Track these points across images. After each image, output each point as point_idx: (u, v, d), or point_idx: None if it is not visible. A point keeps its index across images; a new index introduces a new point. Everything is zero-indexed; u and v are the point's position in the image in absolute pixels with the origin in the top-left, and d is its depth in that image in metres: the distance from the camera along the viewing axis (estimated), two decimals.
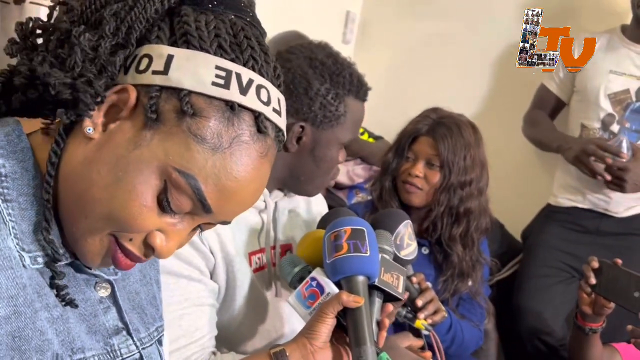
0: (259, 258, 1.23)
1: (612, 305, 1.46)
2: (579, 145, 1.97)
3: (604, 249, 1.52)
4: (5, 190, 0.62)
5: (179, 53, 0.61)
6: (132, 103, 0.61)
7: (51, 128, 0.67)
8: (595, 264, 1.46)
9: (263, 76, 0.64)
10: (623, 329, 1.49)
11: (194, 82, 0.60)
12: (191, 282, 1.09)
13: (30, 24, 0.66)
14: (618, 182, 1.90)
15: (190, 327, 1.08)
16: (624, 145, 1.90)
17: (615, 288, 1.43)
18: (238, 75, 0.62)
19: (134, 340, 0.75)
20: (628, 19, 2.09)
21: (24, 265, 0.62)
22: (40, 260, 0.64)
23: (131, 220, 0.62)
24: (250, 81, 0.62)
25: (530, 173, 2.51)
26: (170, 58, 0.60)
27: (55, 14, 0.66)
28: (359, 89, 1.19)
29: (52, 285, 0.64)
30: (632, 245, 1.99)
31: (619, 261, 1.45)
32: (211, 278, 1.14)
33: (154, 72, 0.60)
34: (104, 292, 0.72)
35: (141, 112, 0.61)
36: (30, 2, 1.43)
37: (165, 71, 0.60)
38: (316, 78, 1.15)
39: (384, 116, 2.30)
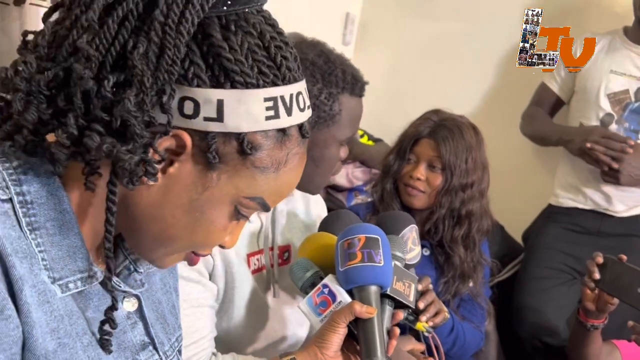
0: (257, 259, 1.23)
1: (616, 301, 1.45)
2: (581, 136, 1.98)
3: (605, 250, 1.51)
4: (33, 218, 0.61)
5: (227, 96, 0.60)
6: (190, 149, 0.61)
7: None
8: (600, 260, 1.46)
9: (297, 80, 0.65)
10: (626, 328, 1.49)
11: (250, 124, 0.61)
12: (190, 284, 1.09)
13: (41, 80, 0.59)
14: (612, 174, 1.93)
15: (189, 328, 1.07)
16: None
17: (619, 284, 1.42)
18: (282, 99, 0.63)
19: (159, 355, 0.76)
20: (630, 20, 2.09)
21: (52, 295, 0.62)
22: (71, 286, 0.64)
23: (212, 243, 0.69)
24: (291, 97, 0.64)
25: (531, 174, 2.51)
26: (220, 104, 0.59)
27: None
28: (354, 85, 1.17)
29: (100, 331, 0.66)
30: (633, 247, 1.99)
31: (624, 257, 1.44)
32: (210, 279, 1.14)
33: (207, 119, 0.59)
34: (131, 307, 0.73)
35: (199, 155, 0.61)
36: (30, 4, 1.42)
37: (220, 118, 0.59)
38: (307, 79, 1.14)
39: (384, 118, 2.30)
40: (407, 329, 1.44)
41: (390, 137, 1.84)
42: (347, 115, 1.18)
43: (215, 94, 0.59)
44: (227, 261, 1.14)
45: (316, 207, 1.42)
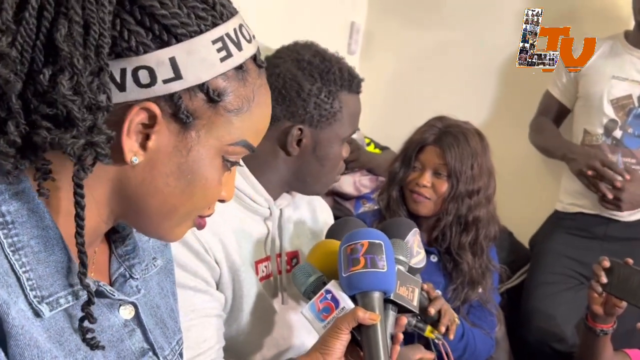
0: (265, 266, 1.23)
1: (624, 304, 1.44)
2: (583, 159, 1.98)
3: (612, 255, 1.51)
4: (15, 239, 0.60)
5: (177, 52, 0.59)
6: (161, 116, 0.60)
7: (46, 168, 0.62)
8: (607, 264, 1.46)
9: (234, 14, 0.64)
10: (636, 335, 1.48)
11: (208, 71, 0.61)
12: (197, 294, 1.09)
13: None
14: (614, 202, 1.95)
15: (197, 338, 1.07)
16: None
17: (626, 287, 1.42)
18: (228, 36, 0.62)
19: None
20: (631, 24, 2.10)
21: (40, 318, 0.60)
22: (62, 301, 0.62)
23: (212, 200, 0.69)
24: (235, 31, 0.63)
25: (537, 180, 2.50)
26: (174, 61, 0.59)
27: None
28: (351, 82, 1.18)
29: (80, 329, 0.63)
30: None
31: (630, 260, 1.44)
32: (217, 288, 1.14)
33: (166, 81, 0.59)
34: (128, 315, 0.72)
35: (172, 119, 0.61)
36: None
37: (178, 76, 0.59)
38: (306, 79, 1.15)
39: (389, 125, 2.30)
40: (416, 337, 1.44)
41: (396, 145, 1.85)
42: (348, 112, 1.18)
43: (165, 53, 0.59)
44: (234, 269, 1.14)
45: (322, 214, 1.43)
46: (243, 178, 1.19)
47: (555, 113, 2.27)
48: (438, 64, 2.65)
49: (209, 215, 0.72)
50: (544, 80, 2.25)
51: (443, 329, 1.24)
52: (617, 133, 2.04)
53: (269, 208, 1.22)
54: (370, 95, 2.34)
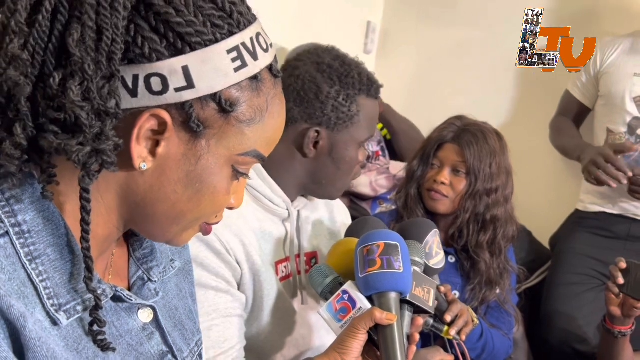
0: (285, 267, 1.24)
1: None
2: (590, 156, 1.95)
3: (635, 255, 1.49)
4: (32, 247, 0.59)
5: (191, 61, 0.58)
6: (171, 124, 0.60)
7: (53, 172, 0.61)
8: (623, 265, 1.45)
9: (252, 22, 0.63)
10: None
11: (221, 80, 0.60)
12: (219, 294, 1.10)
13: None
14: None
15: (219, 338, 1.08)
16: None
17: None
18: (244, 45, 0.61)
19: None
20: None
21: (58, 327, 0.60)
22: (79, 308, 0.62)
23: (219, 208, 0.68)
24: (252, 40, 0.62)
25: (558, 179, 2.48)
26: (186, 70, 0.58)
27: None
28: (370, 87, 1.19)
29: (90, 333, 0.63)
30: None
31: None
32: (238, 289, 1.14)
33: (178, 90, 0.58)
34: (146, 318, 0.72)
35: (182, 127, 0.60)
36: None
37: (191, 85, 0.58)
38: (325, 82, 1.16)
39: None
40: (432, 337, 1.43)
41: None
42: (365, 116, 1.19)
43: (178, 62, 0.58)
44: (255, 270, 1.15)
45: (340, 215, 1.43)
46: (261, 180, 1.20)
47: (575, 113, 2.25)
48: (455, 62, 2.64)
49: (216, 223, 0.71)
50: (565, 79, 2.23)
51: (453, 332, 1.24)
52: None
53: (287, 209, 1.23)
54: (386, 94, 2.34)
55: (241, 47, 0.61)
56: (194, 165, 0.62)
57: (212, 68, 0.59)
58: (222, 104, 0.60)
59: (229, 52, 0.60)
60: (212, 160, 0.63)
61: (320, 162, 1.20)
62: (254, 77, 0.62)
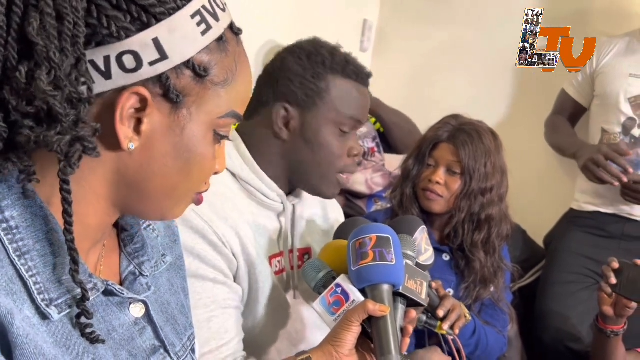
0: (279, 261, 1.24)
1: (634, 305, 1.44)
2: (588, 154, 1.96)
3: (629, 255, 1.50)
4: (21, 243, 0.59)
5: (159, 32, 0.58)
6: (151, 99, 0.60)
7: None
8: (616, 265, 1.45)
9: None
10: None
11: (191, 46, 0.60)
12: (217, 285, 1.11)
13: None
14: (634, 195, 1.92)
15: (219, 329, 1.09)
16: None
17: (636, 288, 1.41)
18: (205, 8, 0.61)
19: (171, 357, 0.75)
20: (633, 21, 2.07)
21: (49, 321, 0.60)
22: (70, 302, 0.62)
23: (208, 174, 0.69)
24: (210, 2, 0.62)
25: (552, 178, 2.49)
26: (157, 42, 0.58)
27: None
28: (345, 67, 1.17)
29: (77, 325, 0.62)
30: None
31: (639, 261, 1.43)
32: (234, 281, 1.15)
33: (152, 63, 0.58)
34: (138, 313, 0.72)
35: (162, 100, 0.61)
36: None
37: (164, 56, 0.58)
38: (294, 61, 1.17)
39: None
40: (427, 333, 1.44)
41: None
42: (337, 95, 1.17)
43: (147, 35, 0.58)
44: (250, 262, 1.15)
45: (333, 212, 1.43)
46: (253, 173, 1.19)
47: (570, 112, 2.25)
48: (451, 61, 2.64)
49: (205, 191, 0.72)
50: (560, 79, 2.23)
51: (445, 327, 1.24)
52: (636, 131, 2.02)
53: (282, 203, 1.22)
54: (382, 92, 2.35)
55: (202, 10, 0.61)
56: (179, 136, 0.63)
57: (180, 36, 0.59)
58: (196, 69, 0.61)
59: (192, 16, 0.60)
60: (195, 128, 0.64)
61: (296, 145, 1.18)
62: (220, 39, 0.63)
